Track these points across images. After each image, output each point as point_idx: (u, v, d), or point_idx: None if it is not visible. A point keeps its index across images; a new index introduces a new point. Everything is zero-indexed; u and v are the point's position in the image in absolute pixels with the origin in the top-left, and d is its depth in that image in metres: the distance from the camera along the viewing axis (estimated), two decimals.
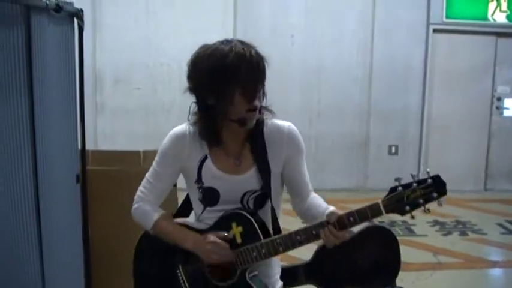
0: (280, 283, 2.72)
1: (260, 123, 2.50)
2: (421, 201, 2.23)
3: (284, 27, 9.29)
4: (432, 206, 2.28)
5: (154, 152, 4.39)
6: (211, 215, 2.54)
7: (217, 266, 2.46)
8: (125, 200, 4.26)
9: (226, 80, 2.27)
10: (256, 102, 2.35)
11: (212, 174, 2.49)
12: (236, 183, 2.49)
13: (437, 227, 7.65)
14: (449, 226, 7.73)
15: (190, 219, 2.73)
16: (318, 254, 3.59)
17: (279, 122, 2.57)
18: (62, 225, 3.43)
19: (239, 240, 2.43)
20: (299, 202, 2.59)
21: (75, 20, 3.57)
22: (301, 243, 2.36)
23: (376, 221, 7.21)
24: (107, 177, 4.22)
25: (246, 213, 2.44)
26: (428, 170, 2.28)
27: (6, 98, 2.88)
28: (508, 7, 9.67)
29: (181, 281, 2.54)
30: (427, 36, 9.64)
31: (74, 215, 3.71)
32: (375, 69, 9.59)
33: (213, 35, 9.57)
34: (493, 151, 10.09)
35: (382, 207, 2.26)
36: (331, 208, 2.42)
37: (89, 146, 4.03)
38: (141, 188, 2.62)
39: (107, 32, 8.85)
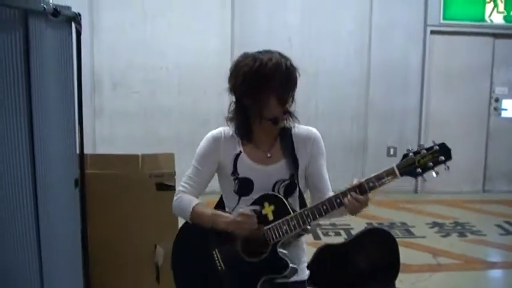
0: (307, 272, 2.90)
1: (289, 126, 2.80)
2: (431, 164, 2.48)
3: (281, 30, 9.28)
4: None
5: (153, 156, 4.43)
6: (246, 205, 2.72)
7: (250, 244, 2.68)
8: (124, 203, 4.29)
9: (263, 85, 2.60)
10: (288, 106, 2.69)
11: (246, 165, 2.75)
12: (268, 173, 2.74)
13: (436, 229, 7.66)
14: (448, 227, 7.74)
15: None
16: (317, 256, 3.61)
17: (307, 127, 2.90)
18: (61, 229, 3.43)
19: (271, 218, 2.65)
20: (318, 198, 2.75)
21: (73, 24, 3.58)
22: (327, 212, 2.59)
23: (376, 223, 7.20)
24: (106, 180, 4.22)
25: (277, 193, 2.71)
26: (420, 144, 2.55)
27: (4, 102, 2.88)
28: (505, 8, 9.68)
29: (217, 262, 2.76)
30: (425, 37, 9.65)
31: (72, 218, 3.72)
32: (372, 70, 9.59)
33: (211, 39, 9.58)
34: (491, 152, 10.09)
35: (397, 171, 2.52)
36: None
37: (87, 150, 4.04)
38: (182, 183, 2.87)
39: (105, 35, 8.84)
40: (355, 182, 2.61)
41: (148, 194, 4.23)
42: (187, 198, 2.79)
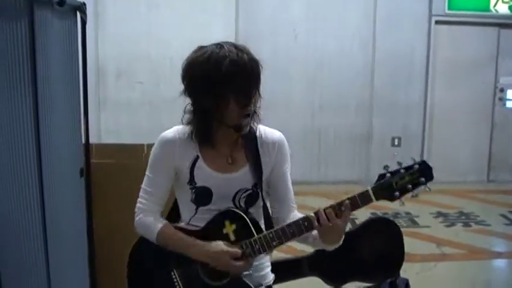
0: (271, 276, 2.74)
1: (252, 128, 2.56)
2: (409, 186, 2.31)
3: (286, 20, 9.28)
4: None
5: None
6: (204, 216, 2.54)
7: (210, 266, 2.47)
8: (129, 193, 4.28)
9: (221, 87, 2.32)
10: (251, 107, 2.42)
11: (204, 174, 2.51)
12: (229, 182, 2.52)
13: (440, 218, 7.67)
14: (453, 217, 7.75)
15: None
16: None
17: (272, 129, 2.65)
18: (66, 219, 3.44)
19: (232, 238, 2.45)
20: (281, 208, 2.64)
21: (78, 14, 3.58)
22: (293, 236, 2.39)
23: (380, 212, 7.18)
24: (111, 170, 4.22)
25: (238, 211, 2.48)
26: (413, 157, 2.36)
27: (10, 92, 2.89)
28: None
29: (176, 284, 2.54)
30: (430, 28, 9.64)
31: (78, 208, 3.73)
32: (377, 61, 9.58)
33: (215, 29, 9.55)
34: (496, 142, 10.09)
35: (372, 195, 2.34)
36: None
37: (92, 141, 4.04)
38: (139, 199, 2.62)
39: (109, 25, 8.84)
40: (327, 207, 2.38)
41: None
42: (148, 221, 2.56)
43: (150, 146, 4.32)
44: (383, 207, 7.83)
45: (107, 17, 8.81)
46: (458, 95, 9.80)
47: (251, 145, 2.55)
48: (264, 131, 2.61)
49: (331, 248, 2.53)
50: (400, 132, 9.75)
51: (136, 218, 2.60)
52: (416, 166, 2.31)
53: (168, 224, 2.57)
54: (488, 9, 9.65)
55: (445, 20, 9.64)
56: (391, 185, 2.32)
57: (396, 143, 9.68)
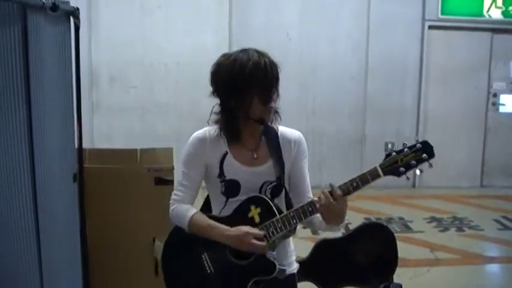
0: (296, 265, 2.91)
1: (274, 128, 2.82)
2: (413, 162, 2.57)
3: (279, 25, 9.28)
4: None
5: (151, 151, 4.43)
6: (233, 207, 2.75)
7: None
8: (122, 197, 4.29)
9: (245, 86, 2.60)
10: (272, 104, 2.69)
11: (233, 167, 2.74)
12: (255, 175, 2.74)
13: (434, 223, 7.68)
14: (446, 222, 7.75)
15: None
16: (315, 251, 3.61)
17: (291, 129, 2.92)
18: (60, 223, 3.43)
19: (257, 220, 2.66)
20: (299, 200, 2.78)
21: (72, 19, 3.58)
22: (312, 213, 2.61)
23: (374, 217, 7.18)
24: (104, 175, 4.22)
25: (262, 195, 2.71)
26: (417, 138, 2.64)
27: (3, 97, 2.88)
28: (503, 3, 9.68)
29: (206, 266, 2.75)
30: (423, 32, 9.66)
31: (71, 213, 3.72)
32: (370, 66, 9.60)
33: (209, 34, 9.54)
34: (489, 147, 10.10)
35: (380, 171, 2.61)
36: None
37: (85, 145, 4.04)
38: (174, 191, 2.84)
39: (103, 30, 8.83)
40: (338, 186, 2.68)
41: (147, 188, 4.23)
42: (182, 209, 2.78)
43: (143, 151, 4.35)
44: (377, 212, 7.84)
45: (100, 22, 8.81)
46: (452, 100, 9.82)
47: (274, 143, 2.79)
48: (285, 130, 2.87)
49: (335, 228, 2.83)
50: (393, 137, 9.74)
51: (171, 208, 2.82)
52: (419, 145, 2.58)
53: (200, 212, 2.80)
54: (482, 14, 9.68)
55: (438, 25, 9.67)
56: (396, 162, 2.60)
57: (389, 147, 9.67)
